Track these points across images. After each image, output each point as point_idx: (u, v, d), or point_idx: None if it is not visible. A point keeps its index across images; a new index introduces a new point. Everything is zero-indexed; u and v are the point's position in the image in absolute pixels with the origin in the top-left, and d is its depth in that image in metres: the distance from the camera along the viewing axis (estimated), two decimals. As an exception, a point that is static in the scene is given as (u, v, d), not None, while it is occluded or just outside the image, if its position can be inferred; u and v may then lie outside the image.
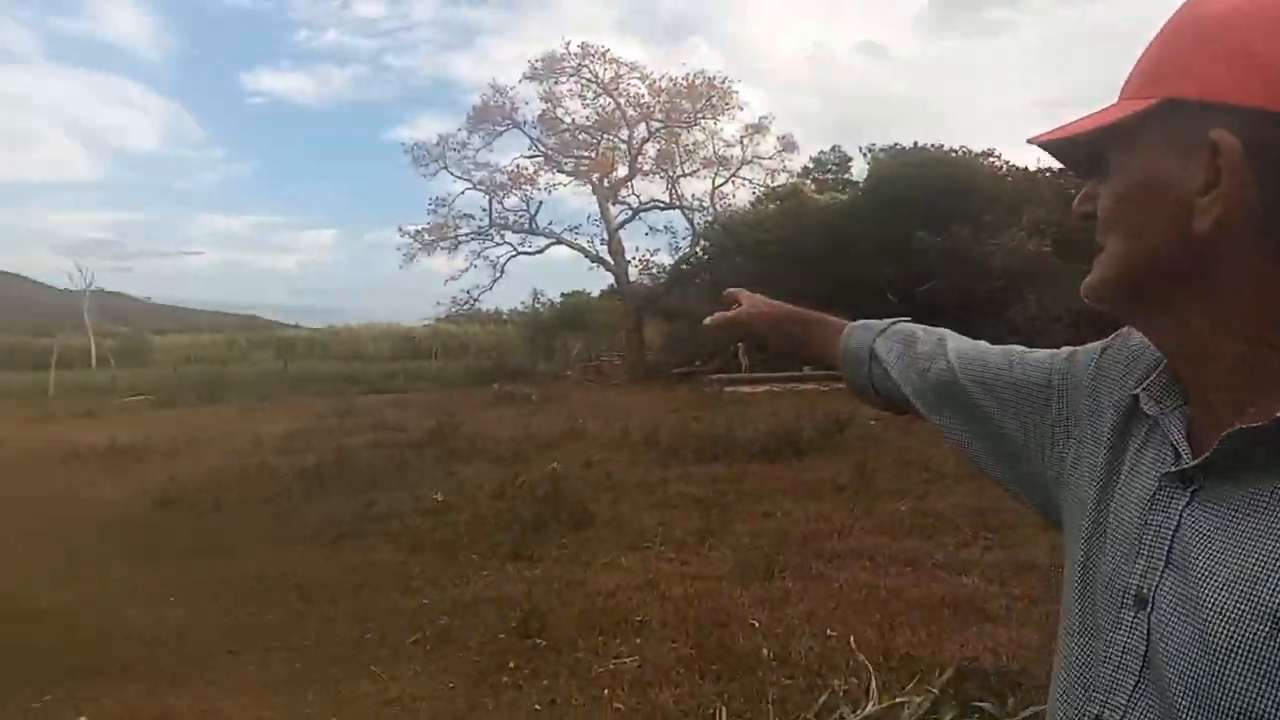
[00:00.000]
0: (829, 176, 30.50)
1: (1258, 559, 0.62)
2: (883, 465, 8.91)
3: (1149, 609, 0.68)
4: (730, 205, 29.21)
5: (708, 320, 1.31)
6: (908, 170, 21.30)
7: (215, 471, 10.51)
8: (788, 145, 29.34)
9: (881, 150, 25.47)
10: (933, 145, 23.69)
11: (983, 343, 1.02)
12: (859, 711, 2.89)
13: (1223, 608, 0.62)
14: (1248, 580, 0.62)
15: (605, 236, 29.28)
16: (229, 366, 36.01)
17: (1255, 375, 0.66)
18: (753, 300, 1.27)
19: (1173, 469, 0.71)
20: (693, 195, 29.70)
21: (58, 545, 7.51)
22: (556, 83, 28.79)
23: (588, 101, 29.20)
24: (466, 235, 29.60)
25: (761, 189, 29.06)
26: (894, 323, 1.11)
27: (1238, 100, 0.63)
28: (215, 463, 11.29)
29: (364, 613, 5.40)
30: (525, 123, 29.36)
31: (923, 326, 1.10)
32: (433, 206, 29.66)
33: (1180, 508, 0.69)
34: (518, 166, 29.36)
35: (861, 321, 1.15)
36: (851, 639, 4.12)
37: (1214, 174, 0.64)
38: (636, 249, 30.24)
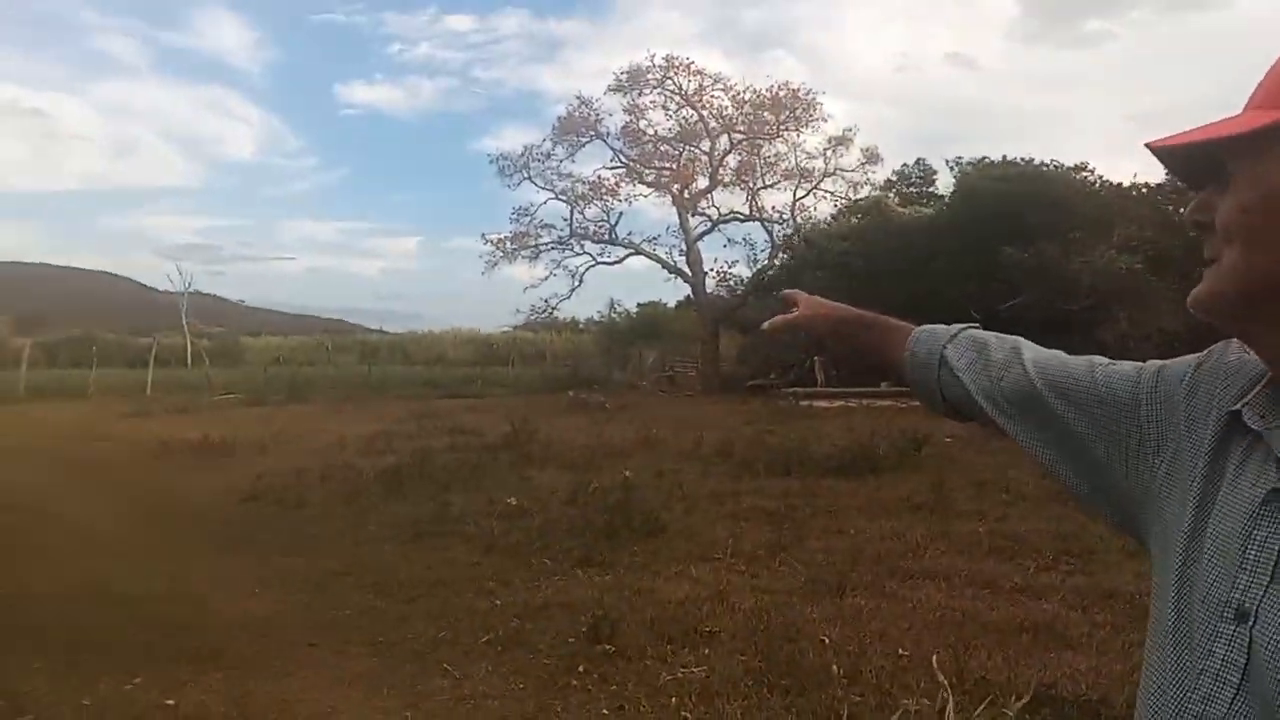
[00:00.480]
0: (913, 190, 30.02)
1: None
2: (960, 485, 8.72)
3: (1251, 623, 0.68)
4: (811, 218, 28.99)
5: (766, 324, 1.29)
6: (995, 184, 20.82)
7: (300, 469, 10.83)
8: (871, 157, 28.97)
9: (969, 164, 24.97)
10: (1022, 159, 23.14)
11: (1060, 352, 1.00)
12: (930, 732, 2.84)
13: None
14: None
15: (684, 248, 29.35)
16: (315, 368, 37.12)
17: None
18: (811, 302, 1.24)
19: None
20: (773, 207, 29.54)
21: (150, 535, 7.85)
22: (640, 94, 29.00)
23: (670, 113, 29.36)
24: (547, 244, 29.99)
25: (843, 201, 28.77)
26: (964, 328, 1.09)
27: None
28: (300, 461, 11.65)
29: (439, 611, 5.51)
30: (608, 134, 29.67)
31: (994, 334, 1.07)
32: (515, 216, 30.14)
33: None
34: (599, 177, 29.69)
35: (928, 327, 1.13)
36: (934, 659, 4.03)
37: None
38: (714, 260, 30.18)
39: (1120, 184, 21.66)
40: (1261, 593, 0.68)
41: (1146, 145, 0.78)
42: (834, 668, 4.24)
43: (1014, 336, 1.06)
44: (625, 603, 5.42)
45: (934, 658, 4.01)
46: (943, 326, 1.12)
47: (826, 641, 4.65)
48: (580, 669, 4.44)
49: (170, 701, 4.15)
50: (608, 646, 4.66)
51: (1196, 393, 0.83)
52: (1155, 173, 20.34)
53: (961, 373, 1.04)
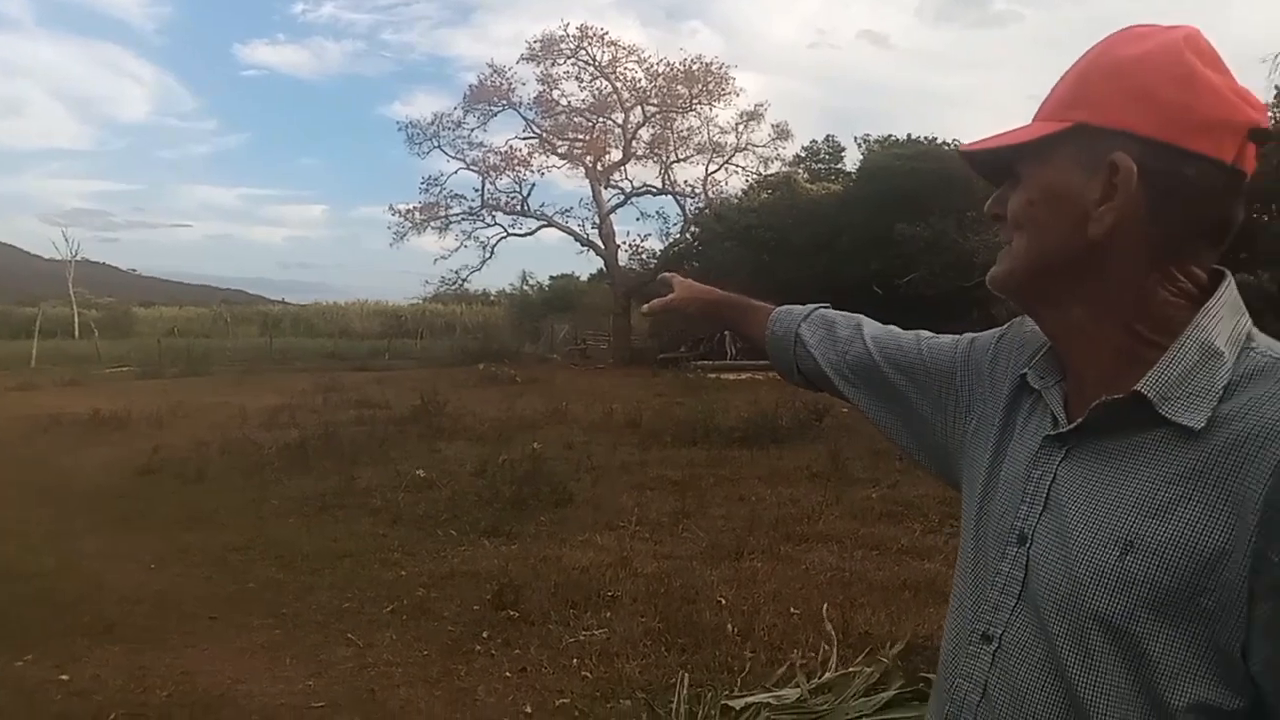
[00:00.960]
0: (821, 166, 30.64)
1: (1112, 499, 0.78)
2: (857, 454, 9.06)
3: (1029, 545, 0.84)
4: (723, 192, 29.32)
5: (644, 307, 1.44)
6: (898, 162, 21.43)
7: (199, 443, 10.55)
8: (781, 133, 29.47)
9: (875, 141, 25.59)
10: (925, 138, 23.85)
11: (894, 327, 1.18)
12: (813, 680, 3.03)
13: (1084, 538, 0.79)
14: (1104, 516, 0.78)
15: (596, 220, 29.36)
16: (213, 340, 35.93)
17: (1123, 358, 0.81)
18: (685, 285, 1.40)
19: (1052, 432, 0.86)
20: (685, 181, 29.83)
21: (39, 511, 7.58)
22: (554, 64, 28.80)
23: (584, 84, 29.26)
24: (457, 215, 29.65)
25: (754, 176, 29.17)
26: (816, 309, 1.26)
27: (1138, 130, 0.78)
28: (199, 435, 11.34)
29: (343, 583, 5.51)
30: (521, 104, 29.40)
31: (841, 313, 1.24)
32: (424, 185, 29.66)
33: (1057, 462, 0.84)
34: (511, 147, 29.40)
35: (785, 307, 1.29)
36: (824, 610, 4.25)
37: (1111, 189, 0.78)
38: (627, 233, 30.27)
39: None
40: (1036, 520, 0.84)
41: (959, 150, 0.93)
42: (729, 626, 4.44)
43: (858, 315, 1.22)
44: (530, 570, 5.53)
45: (824, 612, 4.25)
46: (798, 307, 1.28)
47: (723, 602, 4.85)
48: (484, 634, 4.54)
49: (64, 676, 4.09)
50: (512, 613, 4.76)
51: (998, 361, 1.00)
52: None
53: (813, 349, 1.21)
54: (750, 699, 2.89)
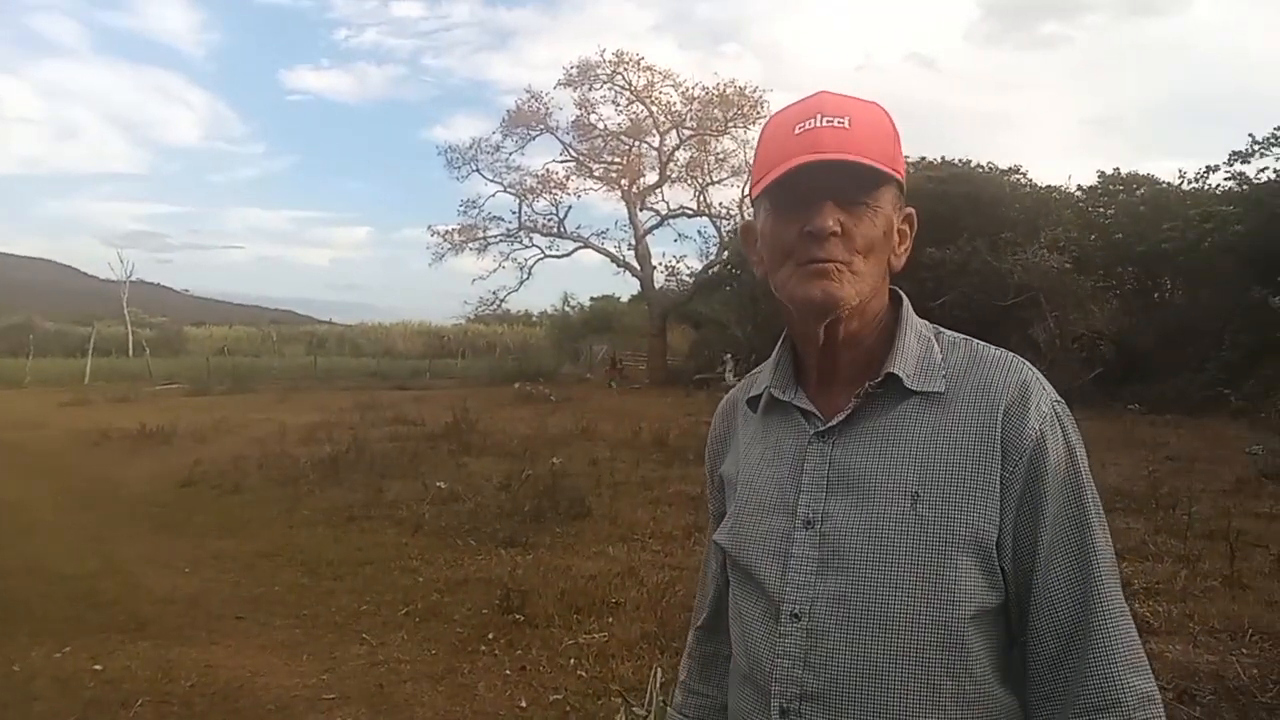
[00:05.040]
0: (856, 189, 30.56)
1: (892, 463, 0.98)
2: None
3: (819, 525, 0.99)
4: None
5: None
6: (929, 184, 21.39)
7: (237, 457, 10.96)
8: (817, 157, 29.46)
9: (911, 164, 25.59)
10: (960, 160, 23.80)
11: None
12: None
13: (879, 499, 0.97)
14: (890, 478, 0.97)
15: (633, 242, 29.69)
16: (260, 359, 36.82)
17: (874, 356, 1.04)
18: None
19: (820, 429, 1.03)
20: (720, 203, 30.01)
21: (85, 518, 7.98)
22: (590, 89, 29.25)
23: (620, 108, 29.65)
24: (496, 237, 30.13)
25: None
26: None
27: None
28: (238, 449, 11.76)
29: (363, 587, 5.77)
30: (558, 128, 29.86)
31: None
32: (463, 208, 30.25)
33: (829, 452, 1.02)
34: (548, 171, 29.88)
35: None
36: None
37: (904, 235, 1.05)
38: (663, 255, 30.58)
39: (1049, 186, 22.42)
40: (822, 504, 1.00)
41: (837, 159, 0.96)
42: (725, 633, 4.59)
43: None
44: (540, 578, 5.74)
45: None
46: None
47: (722, 610, 5.00)
48: (490, 636, 4.76)
49: (98, 666, 4.38)
50: (518, 616, 4.98)
51: (736, 406, 1.21)
52: (1086, 176, 21.06)
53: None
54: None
